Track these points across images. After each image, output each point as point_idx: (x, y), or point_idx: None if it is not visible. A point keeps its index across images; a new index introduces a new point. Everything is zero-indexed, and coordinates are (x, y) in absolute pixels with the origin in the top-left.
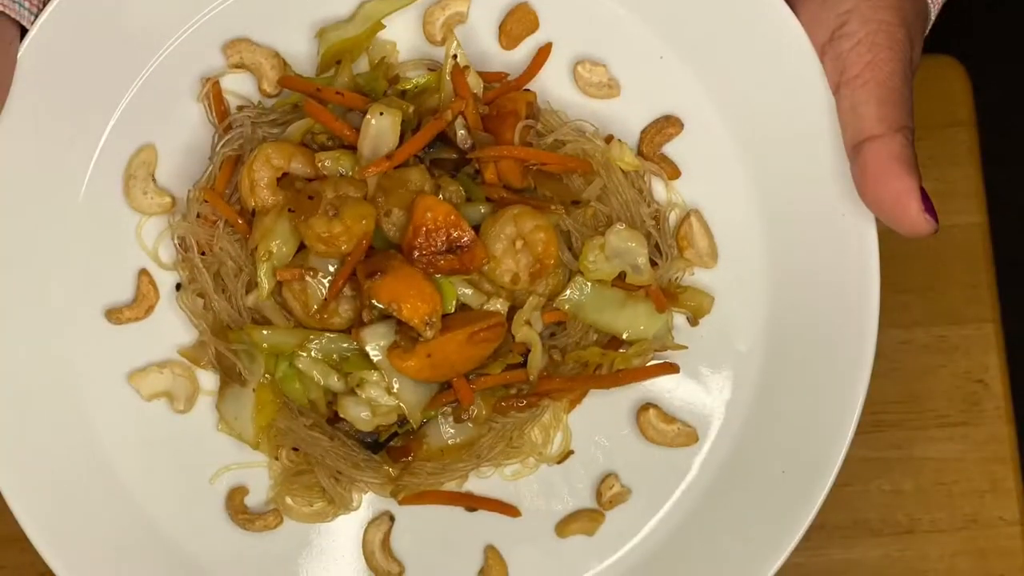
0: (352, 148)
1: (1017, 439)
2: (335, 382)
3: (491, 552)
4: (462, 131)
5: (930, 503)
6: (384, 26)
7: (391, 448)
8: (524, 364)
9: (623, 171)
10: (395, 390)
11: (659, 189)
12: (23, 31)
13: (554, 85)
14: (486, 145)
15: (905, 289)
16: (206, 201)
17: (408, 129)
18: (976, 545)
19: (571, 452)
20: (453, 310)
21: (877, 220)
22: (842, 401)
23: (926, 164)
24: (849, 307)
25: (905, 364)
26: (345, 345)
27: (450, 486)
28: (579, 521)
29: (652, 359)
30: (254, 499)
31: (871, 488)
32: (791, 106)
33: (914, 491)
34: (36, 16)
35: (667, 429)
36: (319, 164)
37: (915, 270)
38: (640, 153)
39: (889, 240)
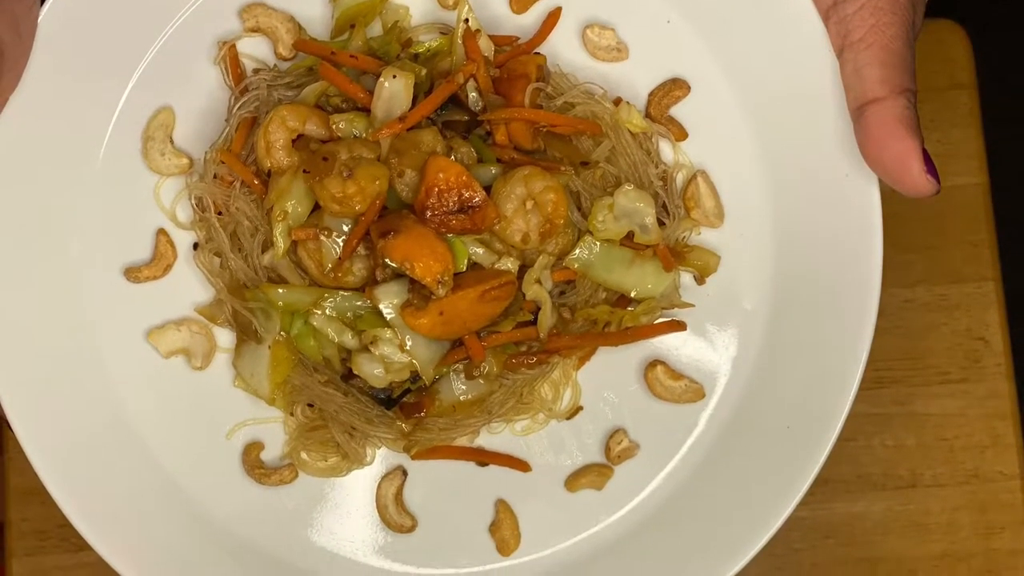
0: (366, 110)
1: (1017, 395)
2: (349, 339)
3: (502, 506)
4: (473, 93)
5: (932, 458)
6: None
7: (404, 404)
8: (534, 322)
9: (631, 133)
10: (408, 347)
11: (666, 150)
12: None
13: (564, 48)
14: (497, 107)
15: (907, 249)
16: (223, 162)
17: (421, 92)
18: (977, 499)
19: (580, 408)
20: (465, 269)
21: (880, 181)
22: (846, 357)
23: (928, 126)
24: (853, 266)
25: (907, 322)
26: (359, 303)
27: (461, 441)
28: (588, 476)
29: (660, 317)
30: (269, 454)
31: (874, 443)
32: (795, 69)
33: (916, 446)
34: None
35: (674, 385)
36: (333, 126)
37: (917, 230)
38: (648, 115)
39: (892, 200)
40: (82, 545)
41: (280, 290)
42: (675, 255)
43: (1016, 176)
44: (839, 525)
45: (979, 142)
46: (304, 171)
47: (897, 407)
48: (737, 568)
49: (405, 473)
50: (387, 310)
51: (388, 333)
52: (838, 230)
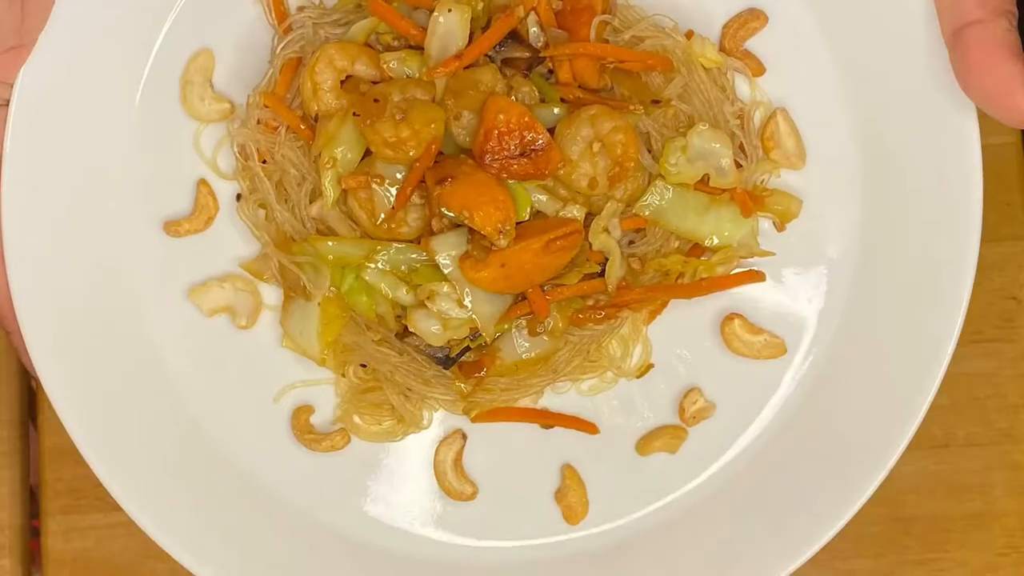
0: (419, 48)
1: None
2: (404, 295)
3: (568, 471)
4: (535, 28)
5: (965, 418)
6: None
7: (463, 363)
8: (602, 274)
9: (705, 68)
10: (467, 302)
11: (742, 87)
12: None
13: None
14: (560, 42)
15: None
16: (266, 106)
17: (478, 27)
18: (1010, 459)
19: (651, 366)
20: (527, 217)
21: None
22: (943, 306)
23: None
24: (949, 206)
25: None
26: (414, 256)
27: (525, 402)
28: (661, 438)
29: (737, 267)
30: (320, 418)
31: None
32: None
33: (950, 406)
34: None
35: (753, 340)
36: (385, 65)
37: None
38: (722, 49)
39: None
40: (116, 505)
41: (330, 243)
42: (754, 199)
43: None
44: None
45: None
46: (354, 114)
47: None
48: (828, 538)
49: (464, 437)
50: (444, 263)
51: (446, 287)
52: (932, 169)
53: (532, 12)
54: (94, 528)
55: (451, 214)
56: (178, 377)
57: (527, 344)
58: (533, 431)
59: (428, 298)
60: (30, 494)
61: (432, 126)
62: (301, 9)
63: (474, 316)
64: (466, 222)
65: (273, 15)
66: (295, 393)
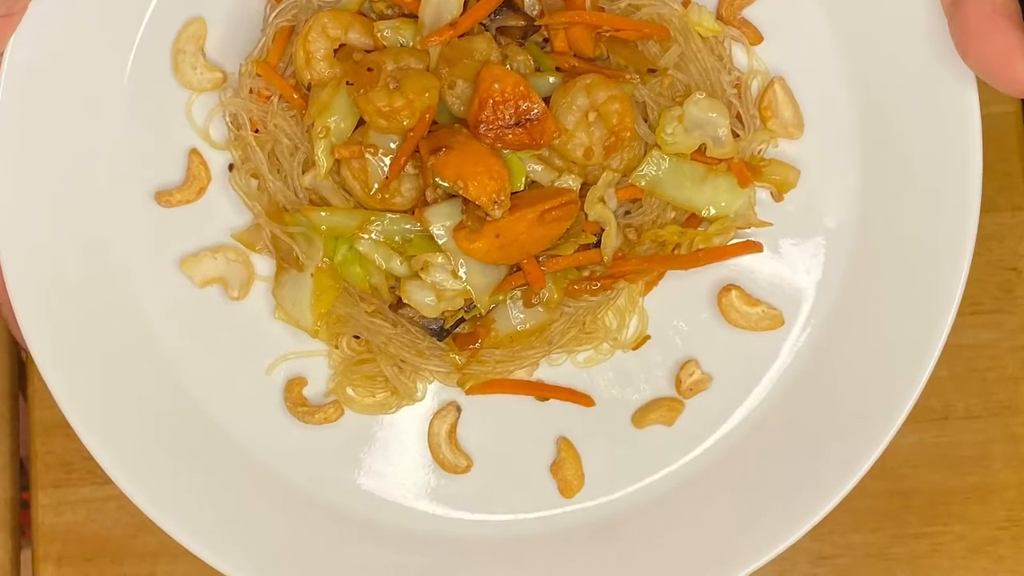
0: (413, 16)
1: None
2: (398, 266)
3: (564, 444)
4: None
5: (964, 390)
6: None
7: (457, 335)
8: (598, 244)
9: (702, 37)
10: (461, 273)
11: (740, 55)
12: None
13: None
14: (555, 11)
15: None
16: (259, 75)
17: None
18: (1010, 431)
19: (647, 337)
20: (522, 187)
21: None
22: (943, 274)
23: None
24: (948, 177)
25: None
26: (408, 226)
27: (519, 374)
28: (657, 410)
29: (734, 237)
30: (313, 390)
31: None
32: None
33: (949, 378)
34: None
35: (751, 312)
36: (378, 34)
37: None
38: (719, 17)
39: None
40: (107, 479)
41: (323, 213)
42: (751, 169)
43: None
44: None
45: None
46: (347, 83)
47: None
48: (826, 510)
49: (459, 409)
50: (439, 233)
51: (440, 258)
52: (931, 138)
53: None
54: (85, 501)
55: (445, 184)
56: (170, 349)
57: (522, 315)
58: (528, 403)
59: (422, 269)
60: (20, 466)
61: (426, 95)
62: None
63: (468, 287)
64: (460, 192)
65: None
66: (288, 365)
